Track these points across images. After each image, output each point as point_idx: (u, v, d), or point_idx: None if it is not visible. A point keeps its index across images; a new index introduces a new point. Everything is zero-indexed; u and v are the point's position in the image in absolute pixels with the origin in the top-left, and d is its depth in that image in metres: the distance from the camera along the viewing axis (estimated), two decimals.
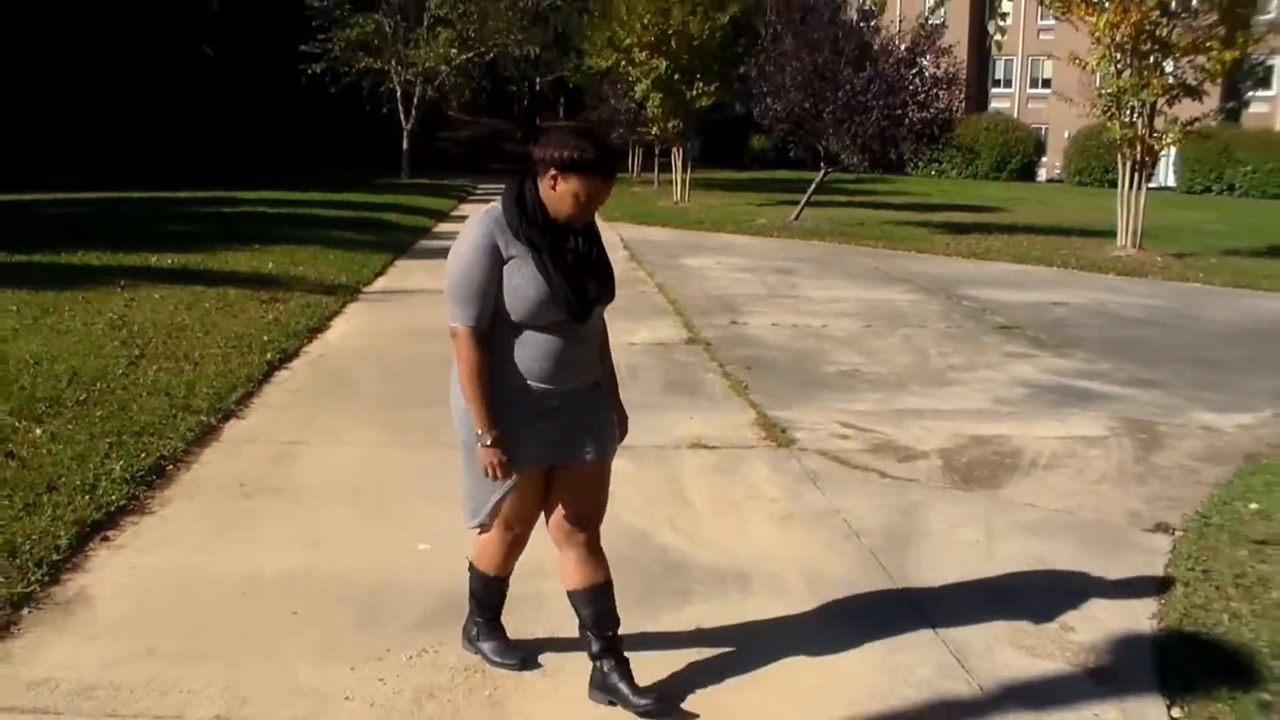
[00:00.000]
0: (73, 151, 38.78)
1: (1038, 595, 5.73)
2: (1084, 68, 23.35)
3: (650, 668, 4.67)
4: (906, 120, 27.88)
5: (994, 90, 69.18)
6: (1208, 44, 21.88)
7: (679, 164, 36.83)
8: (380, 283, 16.50)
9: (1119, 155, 23.94)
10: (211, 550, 6.03)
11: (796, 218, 28.83)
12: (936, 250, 23.20)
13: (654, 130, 36.01)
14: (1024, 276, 19.64)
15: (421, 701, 4.48)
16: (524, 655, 4.83)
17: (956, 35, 22.90)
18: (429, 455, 7.78)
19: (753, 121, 34.49)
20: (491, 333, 4.28)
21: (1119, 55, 22.56)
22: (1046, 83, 61.41)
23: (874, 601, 5.61)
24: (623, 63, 33.97)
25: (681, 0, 32.20)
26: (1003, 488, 7.56)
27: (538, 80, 69.26)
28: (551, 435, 4.39)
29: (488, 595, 4.85)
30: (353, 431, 8.37)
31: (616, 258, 19.51)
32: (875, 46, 28.42)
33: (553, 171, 4.20)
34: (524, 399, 4.32)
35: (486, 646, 4.85)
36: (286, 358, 10.69)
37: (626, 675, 4.51)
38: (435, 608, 5.30)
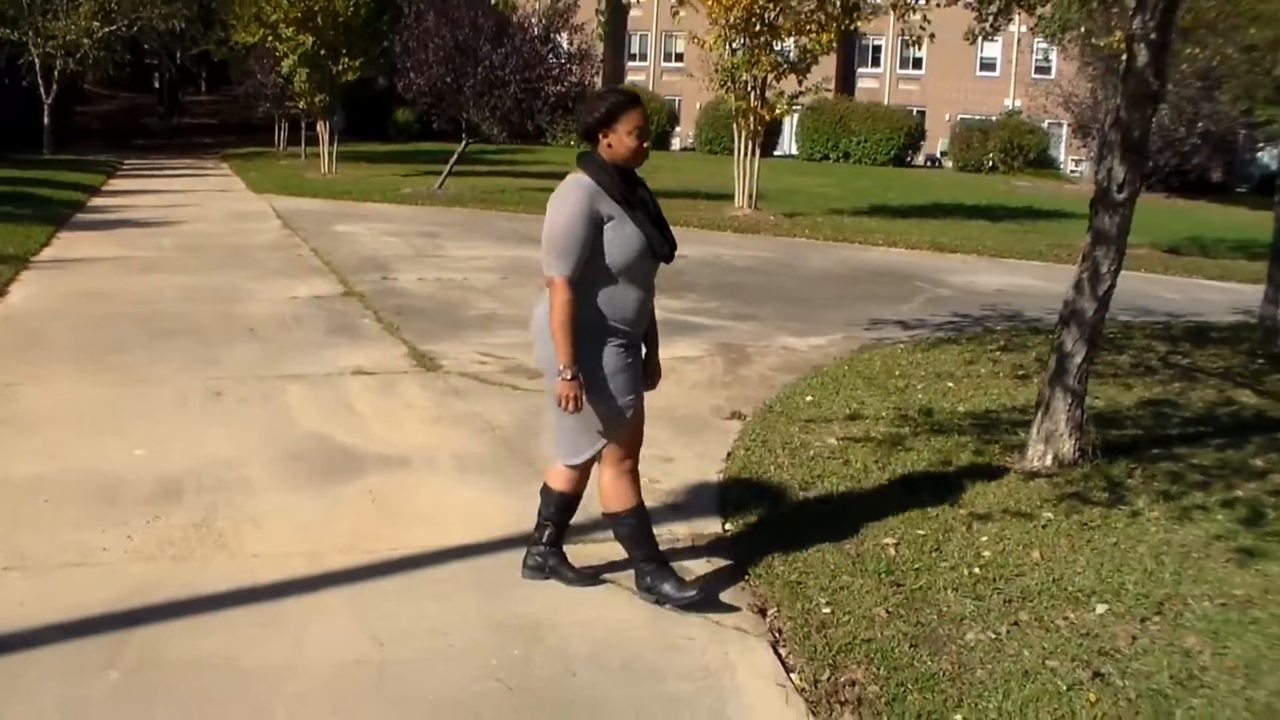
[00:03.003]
0: None
1: None
2: (702, 46, 25.57)
3: (341, 521, 6.23)
4: (543, 93, 29.56)
5: (630, 64, 71.56)
6: (808, 27, 24.37)
7: (326, 137, 37.51)
8: (47, 252, 17.17)
9: (735, 125, 26.29)
10: None
11: (440, 187, 30.16)
12: None
13: (301, 104, 36.62)
14: None
15: (164, 546, 5.87)
16: (699, 589, 5.42)
17: (591, 12, 24.63)
18: (127, 390, 9.09)
19: (397, 95, 35.48)
20: (586, 286, 4.96)
21: (733, 35, 24.83)
22: (679, 57, 64.04)
23: (504, 469, 7.33)
24: (269, 38, 34.45)
25: None
26: None
27: (180, 54, 68.29)
28: (637, 376, 5.22)
29: (640, 530, 5.41)
30: (57, 376, 9.49)
31: (270, 227, 20.83)
32: (512, 23, 29.88)
33: (602, 131, 4.98)
34: (618, 340, 5.09)
35: (669, 587, 5.34)
36: None
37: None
38: (159, 491, 6.67)
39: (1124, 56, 7.60)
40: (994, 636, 5.21)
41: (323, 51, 33.70)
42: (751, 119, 25.41)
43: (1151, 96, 7.45)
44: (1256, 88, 21.42)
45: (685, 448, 7.90)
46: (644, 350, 5.47)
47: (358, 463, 7.26)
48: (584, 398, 5.01)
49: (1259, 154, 49.03)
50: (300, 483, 6.88)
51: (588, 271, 4.95)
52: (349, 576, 5.60)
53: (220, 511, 6.37)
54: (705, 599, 5.38)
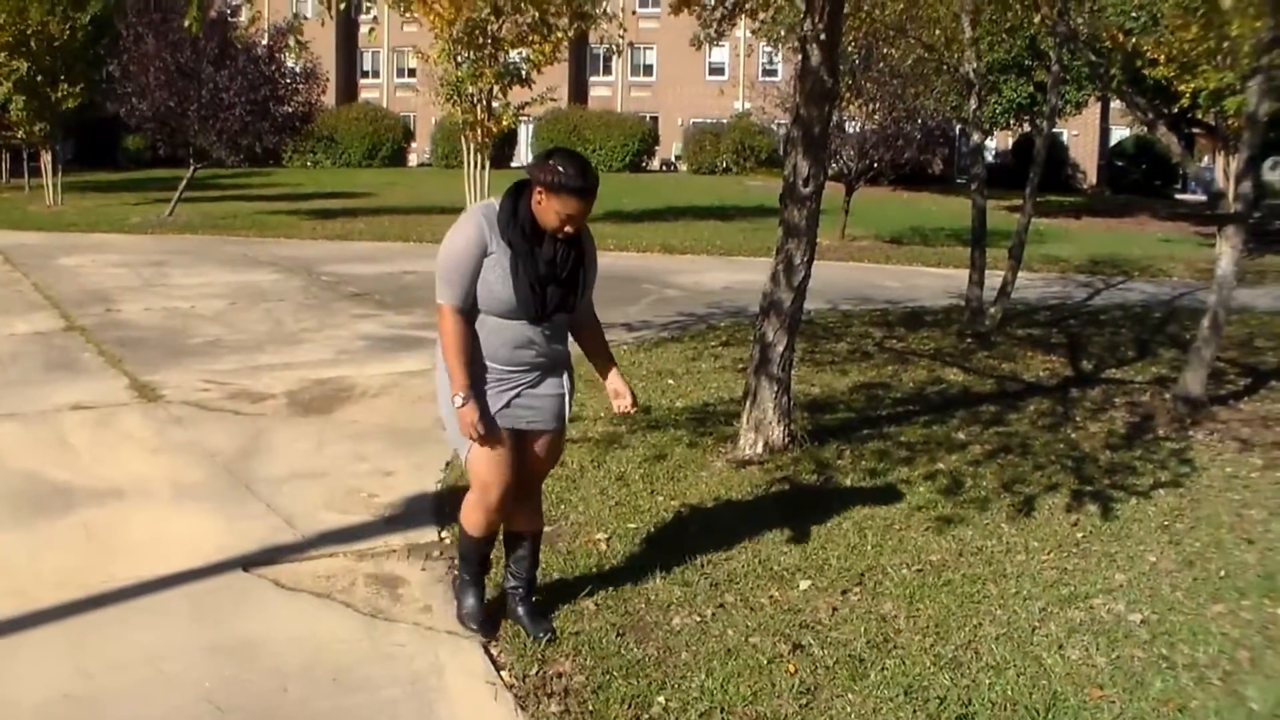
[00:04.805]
0: None
1: (355, 477, 7.64)
2: (426, 60, 25.62)
3: (51, 558, 6.15)
4: (270, 114, 29.20)
5: (364, 81, 71.30)
6: (531, 39, 24.61)
7: (49, 167, 36.34)
8: None
9: (463, 138, 26.41)
10: None
11: (170, 214, 29.51)
12: (303, 235, 24.89)
13: (20, 134, 35.45)
14: (383, 252, 21.80)
15: None
16: (491, 624, 5.38)
17: (320, 30, 24.13)
18: None
19: (126, 122, 34.59)
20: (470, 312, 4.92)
21: (457, 48, 24.91)
22: (412, 72, 63.84)
23: (224, 494, 7.29)
24: None
25: (39, 0, 31.82)
26: (335, 413, 9.41)
27: None
28: (508, 408, 5.01)
29: (471, 553, 5.40)
30: None
31: None
32: (236, 45, 29.37)
33: (543, 190, 4.80)
34: (485, 374, 4.96)
35: (460, 603, 5.46)
36: None
37: (530, 610, 5.36)
38: None
39: (800, 57, 7.95)
40: (700, 619, 5.45)
41: (40, 77, 32.60)
42: (479, 131, 25.53)
43: (827, 94, 7.81)
44: (951, 85, 22.43)
45: (405, 459, 8.03)
46: (559, 385, 5.18)
47: (70, 498, 7.14)
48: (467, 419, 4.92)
49: None
50: (7, 523, 6.73)
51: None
52: (59, 613, 5.53)
53: None
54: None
